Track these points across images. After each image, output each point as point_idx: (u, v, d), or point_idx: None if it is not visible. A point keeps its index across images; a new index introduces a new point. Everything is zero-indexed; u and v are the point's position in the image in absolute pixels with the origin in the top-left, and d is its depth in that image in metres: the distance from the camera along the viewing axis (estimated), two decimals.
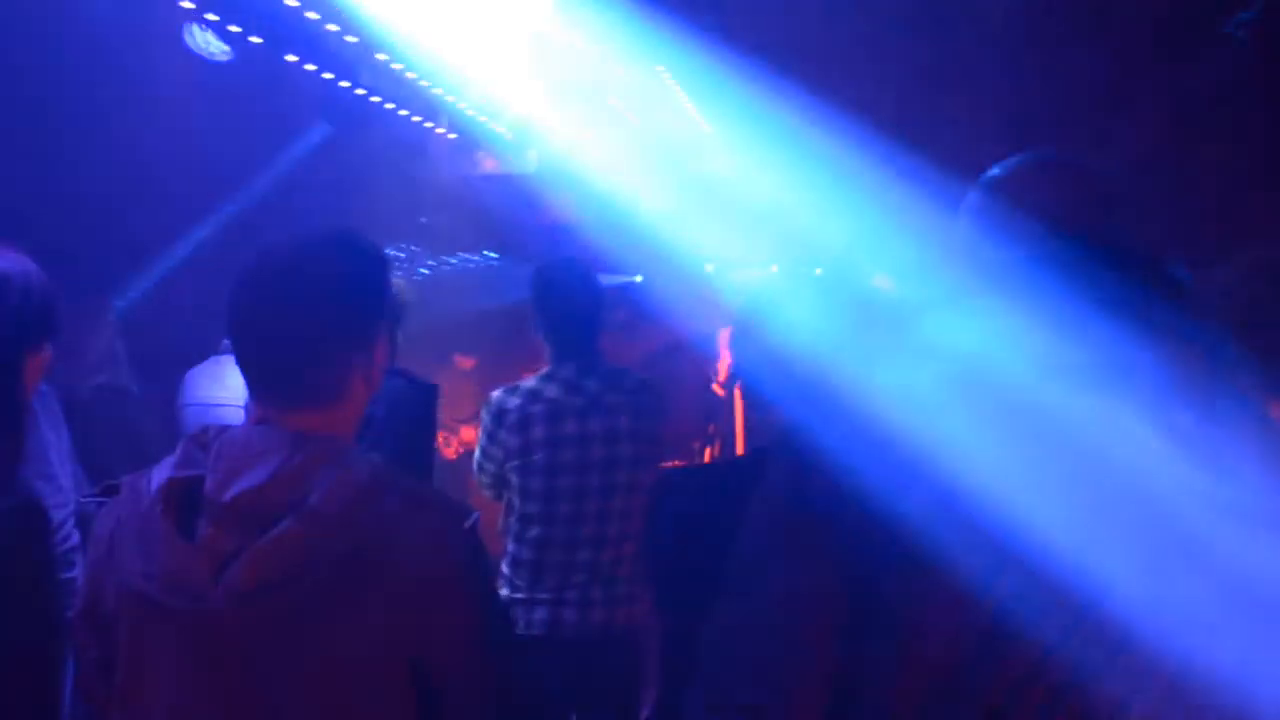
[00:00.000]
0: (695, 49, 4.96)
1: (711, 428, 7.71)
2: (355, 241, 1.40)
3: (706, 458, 7.72)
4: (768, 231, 7.11)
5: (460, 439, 7.75)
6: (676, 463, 7.72)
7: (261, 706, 1.29)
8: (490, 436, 2.98)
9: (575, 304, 3.00)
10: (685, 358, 7.17)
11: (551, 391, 2.96)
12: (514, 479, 2.95)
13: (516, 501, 2.97)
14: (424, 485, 1.39)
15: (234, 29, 3.77)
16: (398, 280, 2.71)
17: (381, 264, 1.42)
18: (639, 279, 10.91)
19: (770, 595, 1.15)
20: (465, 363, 8.13)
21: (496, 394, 3.02)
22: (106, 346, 3.35)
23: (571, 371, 2.98)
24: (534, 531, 2.94)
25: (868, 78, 4.07)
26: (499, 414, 2.97)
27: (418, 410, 2.64)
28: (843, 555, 1.12)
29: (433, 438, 2.76)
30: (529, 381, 3.00)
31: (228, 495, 1.28)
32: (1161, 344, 1.09)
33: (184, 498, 1.31)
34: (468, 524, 1.36)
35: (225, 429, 1.36)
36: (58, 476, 2.94)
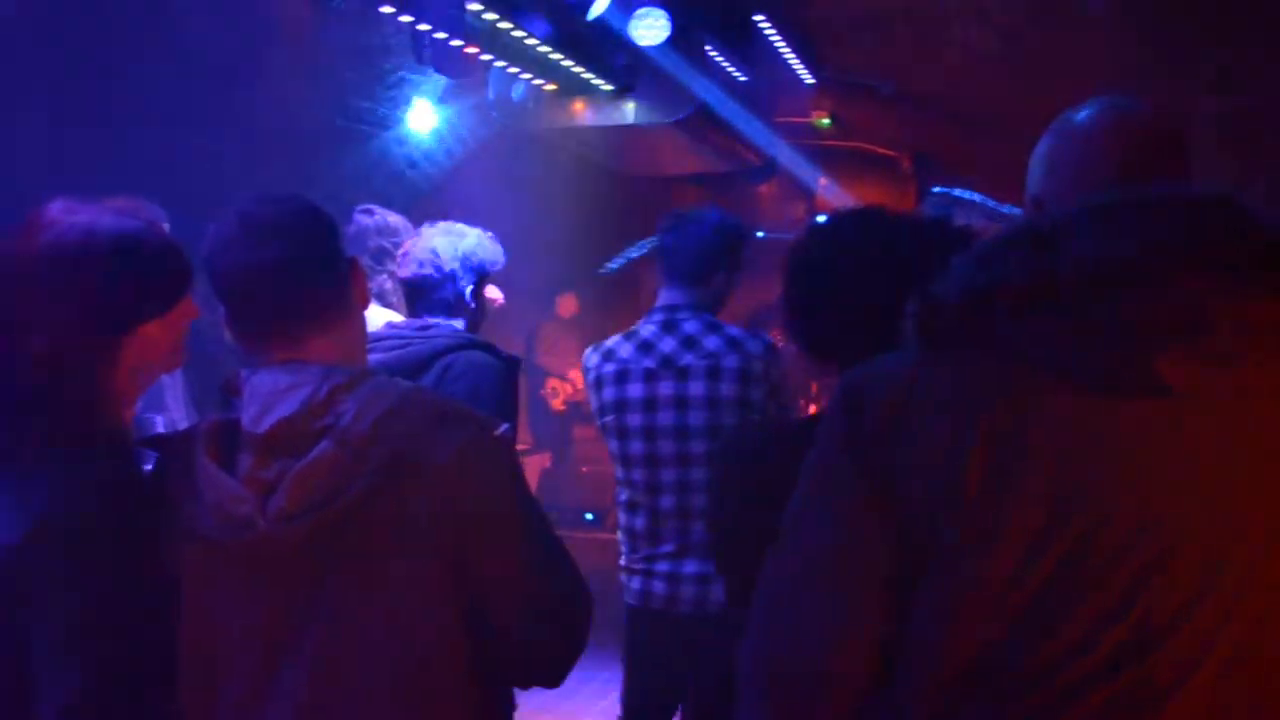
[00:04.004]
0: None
1: (814, 386, 7.52)
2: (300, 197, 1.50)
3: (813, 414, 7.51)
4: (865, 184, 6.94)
5: (574, 386, 7.50)
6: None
7: (323, 618, 1.37)
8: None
9: (669, 254, 2.84)
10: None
11: (625, 351, 2.84)
12: (605, 439, 2.92)
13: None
14: (452, 400, 1.46)
15: None
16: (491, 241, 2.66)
17: (317, 210, 1.50)
18: (760, 234, 10.73)
19: (820, 547, 1.09)
20: (568, 307, 7.99)
21: (587, 350, 2.95)
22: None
23: (653, 328, 2.82)
24: (623, 496, 2.89)
25: None
26: (585, 371, 2.94)
27: (500, 391, 2.50)
28: (896, 502, 1.05)
29: (515, 412, 2.64)
30: (613, 339, 2.90)
31: (263, 427, 1.36)
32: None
33: (225, 439, 1.39)
34: (496, 433, 1.43)
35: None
36: (177, 423, 3.03)
